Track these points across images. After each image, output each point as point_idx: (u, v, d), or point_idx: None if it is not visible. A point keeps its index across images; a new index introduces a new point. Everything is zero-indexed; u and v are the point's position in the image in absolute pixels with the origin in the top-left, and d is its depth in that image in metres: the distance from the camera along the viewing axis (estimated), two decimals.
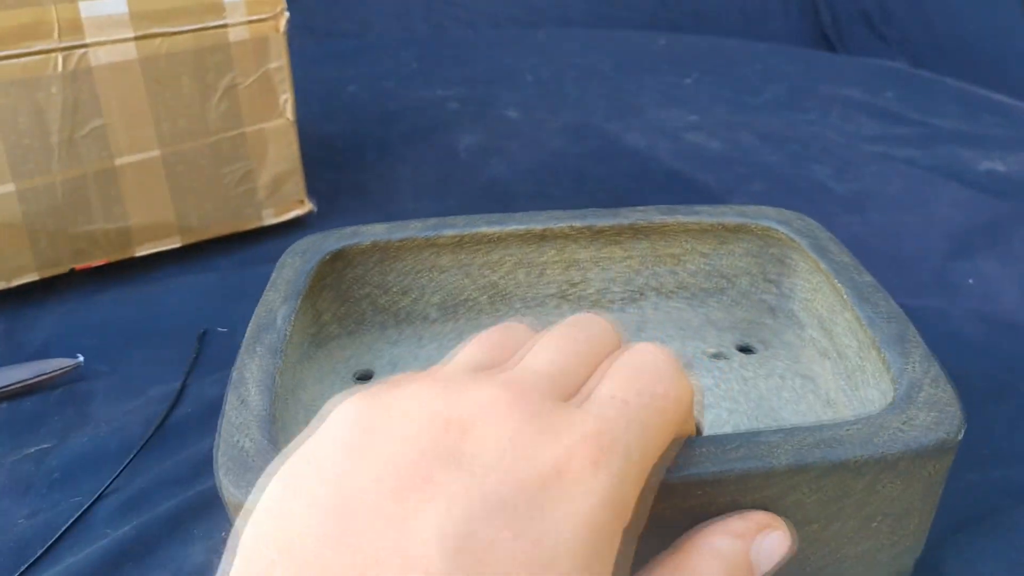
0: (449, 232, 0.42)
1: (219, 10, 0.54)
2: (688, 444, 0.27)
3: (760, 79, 0.95)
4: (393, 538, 0.19)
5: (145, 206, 0.55)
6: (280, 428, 0.31)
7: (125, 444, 0.43)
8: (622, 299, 0.44)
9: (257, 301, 0.37)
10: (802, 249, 0.40)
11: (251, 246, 0.60)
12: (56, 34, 0.49)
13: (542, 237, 0.43)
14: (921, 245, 0.61)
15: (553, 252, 0.43)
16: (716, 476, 0.26)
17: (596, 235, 0.43)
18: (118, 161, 0.54)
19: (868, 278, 0.37)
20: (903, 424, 0.28)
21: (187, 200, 0.57)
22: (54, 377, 0.47)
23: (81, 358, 0.47)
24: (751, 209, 0.43)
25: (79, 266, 0.55)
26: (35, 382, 0.46)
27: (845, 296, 0.37)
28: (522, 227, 0.42)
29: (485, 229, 0.42)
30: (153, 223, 0.56)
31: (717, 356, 0.43)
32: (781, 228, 0.42)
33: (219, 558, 0.21)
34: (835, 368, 0.39)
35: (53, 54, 0.50)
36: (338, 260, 0.42)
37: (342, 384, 0.41)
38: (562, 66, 1.00)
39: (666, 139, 0.79)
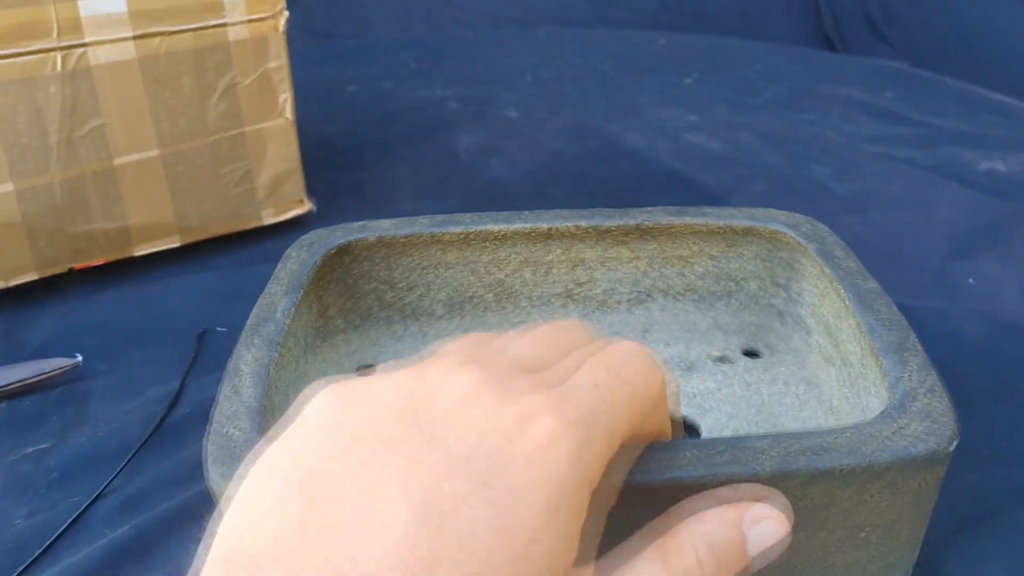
0: (455, 229, 0.42)
1: (218, 9, 0.54)
2: (674, 448, 0.27)
3: (760, 79, 0.95)
4: (360, 505, 0.19)
5: (144, 206, 0.55)
6: (277, 419, 0.31)
7: (124, 444, 0.43)
8: (629, 300, 0.44)
9: (256, 301, 0.37)
10: (809, 253, 0.40)
11: (250, 246, 0.60)
12: (55, 33, 0.49)
13: (548, 236, 0.43)
14: (921, 245, 0.61)
15: (560, 251, 0.43)
16: (700, 480, 0.26)
17: (603, 235, 0.43)
18: (117, 161, 0.54)
19: (873, 284, 0.37)
20: (893, 433, 0.28)
21: (186, 200, 0.57)
22: (53, 377, 0.46)
23: (80, 358, 0.47)
24: (760, 212, 0.43)
25: (78, 266, 0.55)
26: (34, 382, 0.46)
27: (847, 302, 0.36)
28: (528, 225, 0.42)
29: (491, 227, 0.42)
30: (152, 223, 0.56)
31: (721, 360, 0.43)
32: (790, 232, 0.41)
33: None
34: (839, 375, 0.38)
35: (52, 53, 0.50)
36: (345, 254, 0.42)
37: None
38: (562, 66, 1.00)
39: (666, 139, 0.79)
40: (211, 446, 0.29)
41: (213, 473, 0.28)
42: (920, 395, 0.30)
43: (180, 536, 0.37)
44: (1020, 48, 1.04)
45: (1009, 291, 0.55)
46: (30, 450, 0.43)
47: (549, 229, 0.42)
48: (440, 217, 0.43)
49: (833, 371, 0.39)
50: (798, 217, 0.43)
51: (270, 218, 0.61)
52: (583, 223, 0.42)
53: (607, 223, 0.42)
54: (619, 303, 0.44)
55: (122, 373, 0.48)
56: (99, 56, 0.51)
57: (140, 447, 0.42)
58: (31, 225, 0.52)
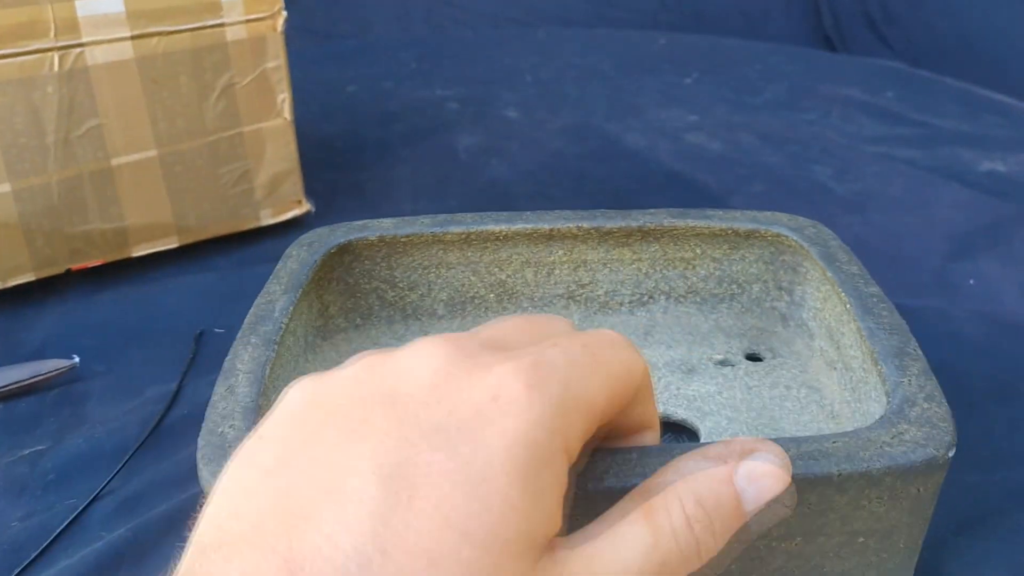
0: (456, 229, 0.42)
1: (216, 9, 0.53)
2: (667, 451, 0.26)
3: (760, 79, 0.94)
4: (332, 484, 0.19)
5: (142, 206, 0.55)
6: None
7: (121, 445, 0.43)
8: (631, 302, 0.44)
9: (255, 301, 0.37)
10: (812, 257, 0.40)
11: (249, 246, 0.60)
12: (52, 33, 0.49)
13: (550, 236, 0.42)
14: (922, 246, 0.60)
15: (562, 252, 0.43)
16: None
17: (605, 236, 0.42)
18: (115, 161, 0.53)
19: (875, 289, 0.37)
20: (891, 439, 0.28)
21: (184, 200, 0.57)
22: (50, 378, 0.46)
23: (77, 359, 0.47)
24: (764, 215, 0.43)
25: (76, 266, 0.55)
26: (31, 383, 0.46)
27: (848, 306, 0.36)
28: (530, 226, 0.42)
29: (493, 227, 0.42)
30: (150, 223, 0.56)
31: (723, 363, 0.42)
32: (793, 235, 0.41)
33: None
34: (841, 380, 0.38)
35: (49, 53, 0.49)
36: (346, 253, 0.42)
37: None
38: (562, 66, 1.00)
39: (666, 139, 0.78)
40: (204, 445, 0.29)
41: (205, 472, 0.28)
42: (919, 401, 0.30)
43: (178, 538, 0.37)
44: (1020, 48, 1.04)
45: (1009, 291, 0.55)
46: (27, 452, 0.42)
47: (551, 230, 0.42)
48: (441, 217, 0.43)
49: (835, 375, 0.39)
50: (802, 220, 0.42)
51: (268, 218, 0.61)
52: (585, 224, 0.42)
53: (609, 224, 0.42)
54: (621, 305, 0.44)
55: (120, 374, 0.48)
56: (96, 56, 0.51)
57: (137, 448, 0.42)
58: (28, 225, 0.52)
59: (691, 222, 0.42)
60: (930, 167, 0.72)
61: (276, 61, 0.57)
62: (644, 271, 0.44)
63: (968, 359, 0.48)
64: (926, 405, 0.30)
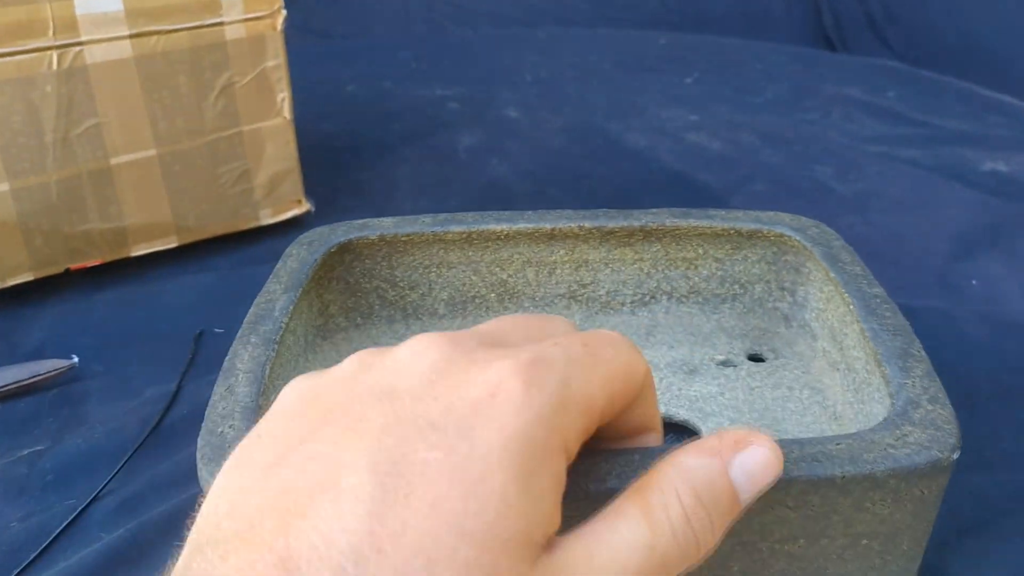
0: (457, 228, 0.42)
1: (216, 8, 0.53)
2: (668, 453, 0.26)
3: (761, 79, 0.94)
4: (327, 474, 0.19)
5: (141, 206, 0.55)
6: None
7: (120, 446, 0.42)
8: (632, 302, 0.44)
9: (254, 301, 0.37)
10: (815, 257, 0.40)
11: (248, 246, 0.60)
12: (51, 32, 0.49)
13: (551, 236, 0.42)
14: (924, 246, 0.60)
15: (563, 252, 0.43)
16: None
17: (607, 236, 0.42)
18: (113, 160, 0.53)
19: (878, 290, 0.37)
20: (895, 441, 0.28)
21: (183, 200, 0.56)
22: (49, 378, 0.46)
23: (76, 359, 0.47)
24: (767, 215, 0.43)
25: (75, 266, 0.55)
26: (30, 383, 0.46)
27: (852, 307, 0.36)
28: (531, 225, 0.42)
29: (494, 226, 0.42)
30: (149, 223, 0.56)
31: (725, 364, 0.42)
32: (796, 235, 0.41)
33: None
34: (844, 381, 0.38)
35: (48, 52, 0.49)
36: (346, 252, 0.42)
37: None
38: (562, 66, 0.99)
39: (667, 139, 0.78)
40: (203, 445, 0.29)
41: (204, 472, 0.28)
42: (923, 403, 0.30)
43: (177, 539, 0.37)
44: (1023, 48, 1.04)
45: (1013, 292, 0.55)
46: (25, 452, 0.42)
47: (552, 229, 0.42)
48: (442, 216, 0.43)
49: (838, 376, 0.39)
50: (805, 220, 0.42)
51: (268, 218, 0.60)
52: (587, 224, 0.42)
53: (611, 224, 0.42)
54: (623, 305, 0.44)
55: (119, 374, 0.48)
56: (95, 55, 0.51)
57: (137, 449, 0.42)
58: (27, 225, 0.52)
59: (693, 222, 0.42)
60: (932, 167, 0.72)
61: (276, 60, 0.56)
62: (646, 271, 0.43)
63: (971, 360, 0.48)
64: (930, 407, 0.30)
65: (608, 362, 0.23)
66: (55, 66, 0.50)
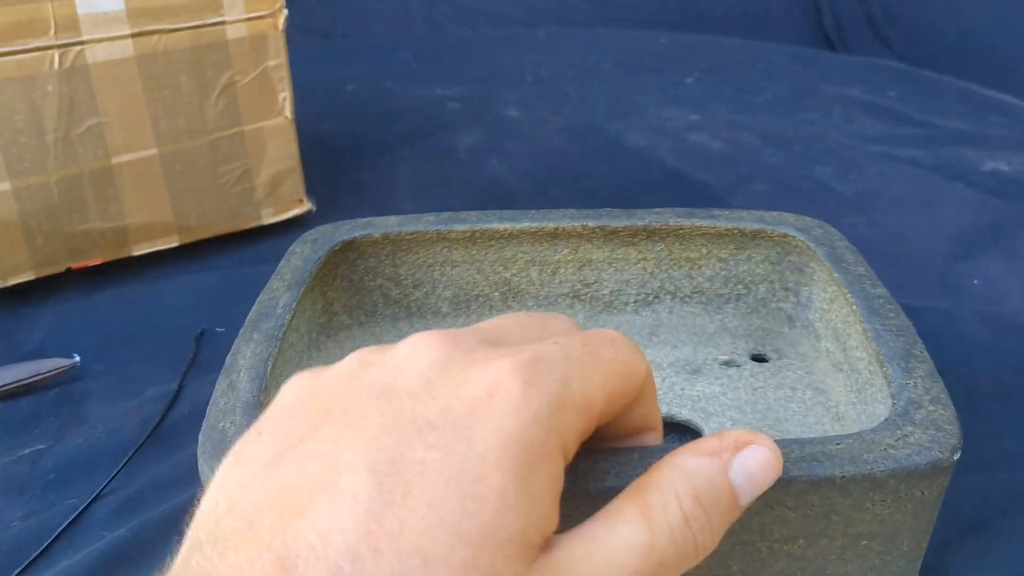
0: (461, 227, 0.42)
1: (217, 7, 0.53)
2: (668, 452, 0.25)
3: (762, 78, 0.94)
4: (326, 473, 0.19)
5: (142, 205, 0.55)
6: None
7: (121, 445, 0.42)
8: (636, 301, 0.44)
9: (256, 300, 0.37)
10: (819, 258, 0.40)
11: (249, 245, 0.60)
12: (52, 31, 0.49)
13: (555, 235, 0.42)
14: (925, 246, 0.60)
15: (567, 251, 0.43)
16: None
17: (610, 235, 0.42)
18: (115, 160, 0.53)
19: (882, 290, 0.37)
20: (895, 442, 0.28)
21: (185, 199, 0.56)
22: (50, 377, 0.46)
23: (77, 358, 0.47)
24: (771, 215, 0.42)
25: (76, 265, 0.54)
26: (31, 382, 0.46)
27: (855, 308, 0.36)
28: (535, 224, 0.42)
29: (498, 225, 0.42)
30: (150, 222, 0.56)
31: (728, 364, 0.42)
32: (799, 235, 0.41)
33: None
34: (847, 382, 0.38)
35: (49, 51, 0.49)
36: (350, 250, 0.42)
37: None
38: (562, 65, 0.99)
39: (667, 139, 0.78)
40: (204, 440, 0.29)
41: (205, 467, 0.28)
42: (925, 404, 0.30)
43: (178, 538, 0.37)
44: (1023, 48, 1.04)
45: (1014, 292, 0.55)
46: (27, 451, 0.42)
47: (556, 228, 0.42)
48: (446, 215, 0.43)
49: (841, 377, 0.39)
50: (808, 220, 0.42)
51: (269, 217, 0.60)
52: (590, 223, 0.42)
53: (614, 223, 0.42)
54: (626, 304, 0.44)
55: (120, 374, 0.48)
56: (97, 54, 0.51)
57: (138, 448, 0.42)
58: (28, 224, 0.52)
59: (697, 222, 0.42)
60: (933, 167, 0.72)
61: (277, 59, 0.56)
62: (649, 271, 0.43)
63: (972, 360, 0.48)
64: (931, 408, 0.29)
65: (609, 362, 0.23)
66: (56, 65, 0.50)
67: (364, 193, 0.69)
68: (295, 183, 0.60)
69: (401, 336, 0.42)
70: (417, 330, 0.43)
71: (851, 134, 0.79)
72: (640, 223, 0.42)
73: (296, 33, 0.59)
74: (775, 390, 0.40)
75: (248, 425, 0.29)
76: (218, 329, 0.51)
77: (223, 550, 0.19)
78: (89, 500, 0.39)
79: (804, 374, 0.41)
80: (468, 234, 0.42)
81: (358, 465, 0.19)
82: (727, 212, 0.43)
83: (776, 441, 0.26)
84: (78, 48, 0.50)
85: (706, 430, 0.39)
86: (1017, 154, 0.74)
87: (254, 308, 0.36)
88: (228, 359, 0.33)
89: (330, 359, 0.40)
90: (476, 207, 0.44)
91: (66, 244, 0.53)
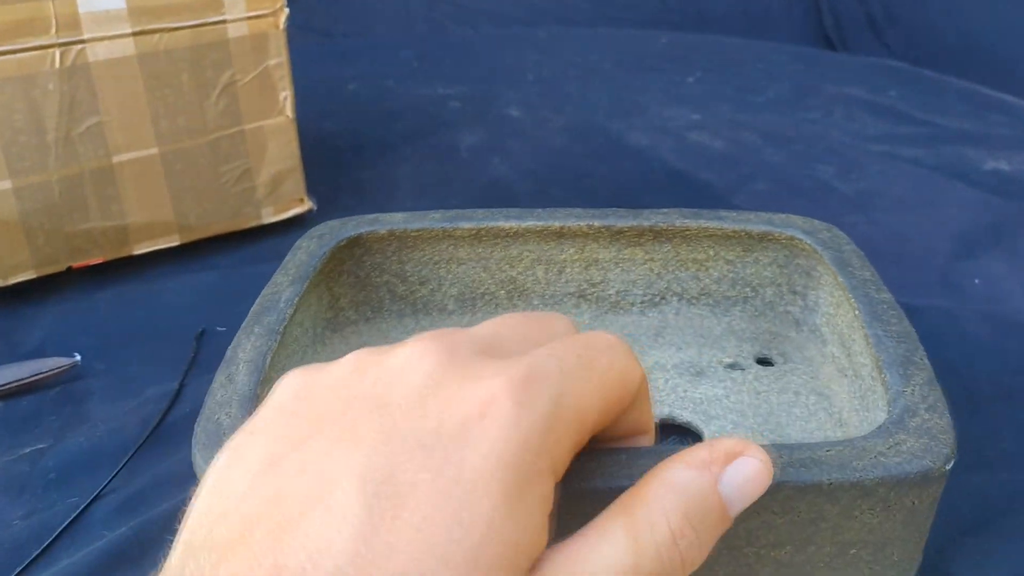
0: (466, 224, 0.42)
1: (218, 6, 0.53)
2: (656, 453, 0.25)
3: (763, 78, 0.94)
4: (319, 486, 0.19)
5: (143, 204, 0.55)
6: None
7: (122, 444, 0.42)
8: (643, 302, 0.44)
9: (256, 299, 0.37)
10: (825, 261, 0.39)
11: (250, 245, 0.60)
12: (53, 30, 0.49)
13: (560, 234, 0.42)
14: (926, 245, 0.60)
15: (573, 250, 0.43)
16: None
17: (616, 235, 0.42)
18: (116, 159, 0.53)
19: (886, 296, 0.36)
20: (887, 449, 0.27)
21: (186, 198, 0.56)
22: (51, 376, 0.46)
23: (78, 357, 0.47)
24: (779, 217, 0.42)
25: (77, 264, 0.54)
26: (32, 381, 0.46)
27: (857, 313, 0.36)
28: (540, 223, 0.42)
29: (503, 223, 0.42)
30: (151, 221, 0.56)
31: (733, 367, 0.42)
32: (807, 238, 0.41)
33: None
34: (851, 387, 0.38)
35: (50, 50, 0.49)
36: (356, 246, 0.42)
37: None
38: (564, 65, 0.99)
39: (669, 138, 0.78)
40: (200, 432, 0.29)
41: (199, 458, 0.28)
42: (920, 411, 0.29)
43: (171, 537, 0.37)
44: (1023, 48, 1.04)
45: (1015, 291, 0.55)
46: (27, 450, 0.42)
47: (562, 228, 0.42)
48: (452, 212, 0.43)
49: (845, 383, 0.38)
50: (817, 223, 0.42)
51: (270, 217, 0.60)
52: (596, 223, 0.42)
53: (620, 223, 0.42)
54: (632, 305, 0.44)
55: (121, 373, 0.48)
56: (98, 53, 0.51)
57: (139, 447, 0.42)
58: (29, 223, 0.52)
59: (703, 223, 0.42)
60: (934, 166, 0.72)
61: (278, 58, 0.56)
62: (656, 271, 0.43)
63: (973, 359, 0.47)
64: (927, 416, 0.29)
65: (604, 372, 0.23)
66: (57, 64, 0.50)
67: (365, 192, 0.69)
68: (296, 182, 0.60)
69: (407, 332, 0.43)
70: (423, 327, 0.43)
71: (852, 133, 0.79)
72: (646, 223, 0.42)
73: (297, 32, 0.59)
74: (778, 394, 0.40)
75: (244, 417, 0.29)
76: (219, 328, 0.51)
77: (216, 560, 0.19)
78: (90, 499, 0.39)
79: (809, 379, 0.41)
80: (474, 232, 0.42)
81: (350, 481, 0.19)
82: (734, 214, 0.42)
83: (766, 445, 0.26)
84: (79, 47, 0.50)
85: (707, 433, 0.39)
86: (1018, 153, 0.74)
87: (257, 302, 0.36)
88: (228, 352, 0.33)
89: (335, 354, 0.40)
90: (477, 206, 0.44)
91: (67, 243, 0.53)
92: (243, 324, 0.35)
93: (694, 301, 0.43)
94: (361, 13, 1.23)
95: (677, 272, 0.43)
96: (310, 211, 0.62)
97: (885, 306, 0.35)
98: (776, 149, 0.76)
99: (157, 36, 0.52)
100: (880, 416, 0.33)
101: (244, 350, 0.33)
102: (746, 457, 0.23)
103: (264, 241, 0.60)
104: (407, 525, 0.19)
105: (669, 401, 0.40)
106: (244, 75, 0.56)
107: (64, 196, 0.52)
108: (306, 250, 0.40)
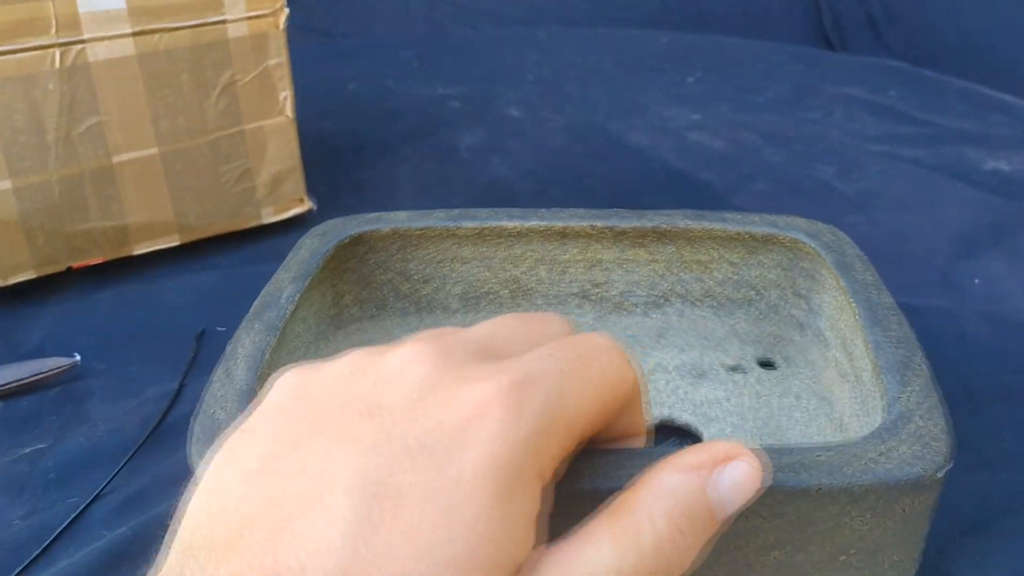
0: (469, 224, 0.42)
1: (218, 6, 0.53)
2: (646, 455, 0.25)
3: (763, 78, 0.94)
4: (312, 488, 0.19)
5: (143, 204, 0.55)
6: None
7: (122, 444, 0.42)
8: (646, 303, 0.44)
9: (262, 289, 0.38)
10: (827, 264, 0.39)
11: (250, 245, 0.60)
12: (53, 30, 0.49)
13: (563, 234, 0.42)
14: (926, 245, 0.60)
15: (576, 251, 0.43)
16: None
17: (619, 236, 0.42)
18: (116, 159, 0.53)
19: (887, 299, 0.36)
20: (879, 455, 0.27)
21: (186, 198, 0.56)
22: (51, 376, 0.46)
23: (78, 357, 0.47)
24: (783, 219, 0.42)
25: (77, 264, 0.54)
26: (32, 381, 0.46)
27: (857, 316, 0.35)
28: (543, 223, 0.42)
29: (506, 223, 0.42)
30: (151, 221, 0.56)
31: (735, 369, 0.42)
32: (810, 241, 0.40)
33: None
34: (853, 392, 0.37)
35: (50, 50, 0.49)
36: (359, 244, 0.42)
37: None
38: (564, 65, 0.99)
39: (669, 138, 0.78)
40: (196, 427, 0.29)
41: (194, 453, 0.29)
42: (916, 417, 0.29)
43: (165, 534, 0.37)
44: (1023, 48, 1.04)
45: (1015, 291, 0.55)
46: (27, 450, 0.42)
47: (564, 228, 0.42)
48: (456, 211, 0.43)
49: (847, 387, 0.38)
50: (820, 226, 0.41)
51: (270, 217, 0.60)
52: (599, 223, 0.42)
53: (623, 224, 0.42)
54: (636, 306, 0.44)
55: (121, 373, 0.48)
56: (98, 53, 0.51)
57: (139, 447, 0.42)
58: (29, 223, 0.52)
59: (707, 224, 0.42)
60: (934, 166, 0.72)
61: (278, 58, 0.56)
62: (659, 272, 0.43)
63: (973, 359, 0.47)
64: (922, 422, 0.29)
65: (599, 375, 0.23)
66: (57, 64, 0.50)
67: (365, 192, 0.69)
68: (296, 182, 0.60)
69: (411, 331, 0.43)
70: (427, 326, 0.43)
71: (852, 133, 0.79)
72: (649, 224, 0.42)
73: (297, 32, 0.59)
74: (780, 397, 0.40)
75: (240, 414, 0.29)
76: (219, 328, 0.51)
77: (216, 560, 0.19)
78: (90, 499, 0.39)
79: (811, 383, 0.40)
80: (477, 231, 0.42)
81: (344, 484, 0.19)
82: (738, 216, 0.42)
83: (756, 449, 0.25)
84: (79, 47, 0.50)
85: (706, 435, 0.38)
86: (1018, 153, 0.74)
87: (258, 298, 0.37)
88: (228, 347, 0.33)
89: (338, 351, 0.40)
90: (478, 206, 0.44)
91: (67, 243, 0.53)
92: (244, 320, 0.35)
93: (697, 303, 0.43)
94: (361, 13, 1.23)
95: (680, 273, 0.43)
96: (310, 211, 0.62)
97: (886, 310, 0.35)
98: (776, 149, 0.76)
99: (157, 36, 0.52)
100: (879, 421, 0.33)
101: (243, 345, 0.33)
102: (737, 461, 0.23)
103: (264, 241, 0.60)
104: (401, 526, 0.19)
105: (669, 403, 0.40)
106: (244, 75, 0.56)
107: (64, 196, 0.52)
108: (309, 248, 0.40)
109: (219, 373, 0.32)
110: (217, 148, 0.56)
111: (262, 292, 0.37)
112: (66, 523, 0.38)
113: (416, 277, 0.43)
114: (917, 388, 0.30)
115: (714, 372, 0.42)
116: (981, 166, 0.72)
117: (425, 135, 0.80)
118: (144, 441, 0.42)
